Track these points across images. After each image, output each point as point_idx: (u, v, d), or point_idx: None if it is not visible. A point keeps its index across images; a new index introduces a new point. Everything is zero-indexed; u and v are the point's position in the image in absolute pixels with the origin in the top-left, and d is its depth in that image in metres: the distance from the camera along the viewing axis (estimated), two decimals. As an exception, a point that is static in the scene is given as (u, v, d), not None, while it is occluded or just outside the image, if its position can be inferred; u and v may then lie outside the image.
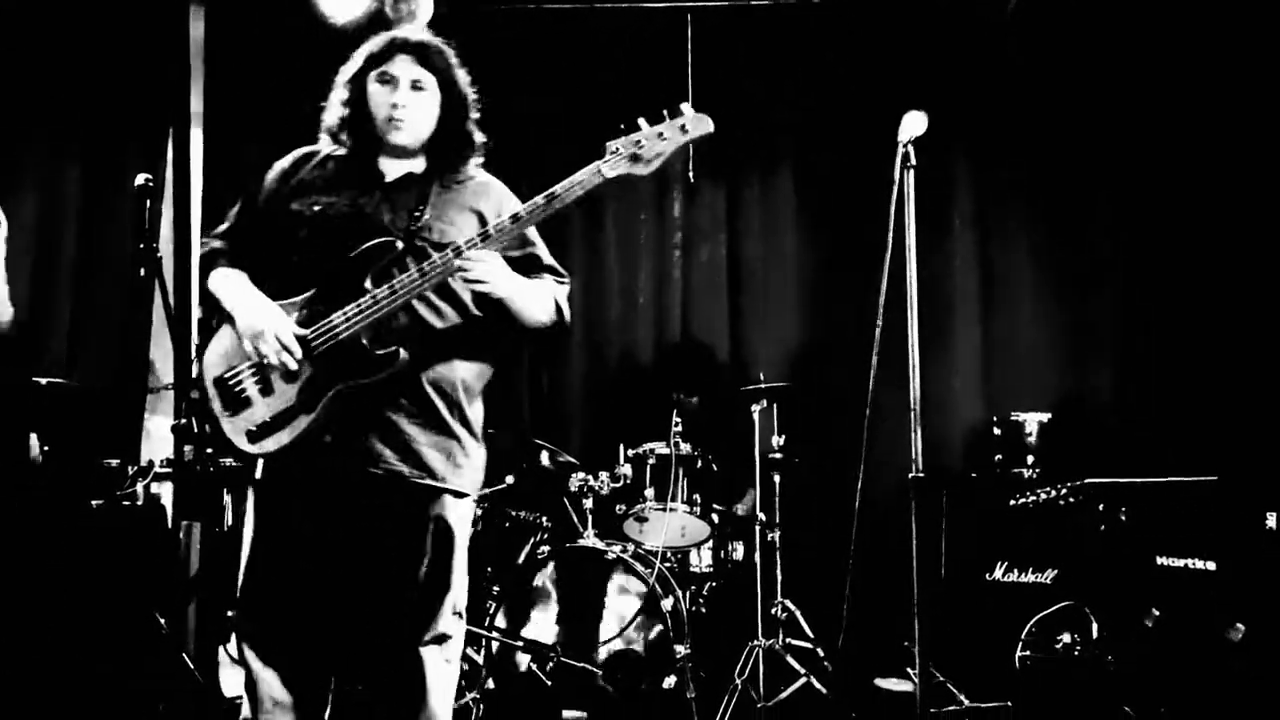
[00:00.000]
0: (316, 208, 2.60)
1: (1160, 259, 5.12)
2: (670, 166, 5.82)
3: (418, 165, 2.68)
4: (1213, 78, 5.05)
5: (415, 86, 2.60)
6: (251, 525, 2.60)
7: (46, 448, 4.02)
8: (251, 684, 2.59)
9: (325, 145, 2.72)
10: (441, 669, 2.61)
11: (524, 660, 4.10)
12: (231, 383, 2.57)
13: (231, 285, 2.62)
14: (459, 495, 2.63)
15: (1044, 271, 5.40)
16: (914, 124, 3.01)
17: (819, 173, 5.61)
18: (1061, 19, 5.27)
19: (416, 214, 2.57)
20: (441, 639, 2.61)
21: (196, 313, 5.25)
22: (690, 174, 5.46)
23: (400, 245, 2.52)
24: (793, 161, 5.68)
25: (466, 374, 2.64)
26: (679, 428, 4.58)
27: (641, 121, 2.46)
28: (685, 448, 4.60)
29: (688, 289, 5.71)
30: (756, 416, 4.77)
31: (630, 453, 4.68)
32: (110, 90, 5.22)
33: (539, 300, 2.64)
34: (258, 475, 2.59)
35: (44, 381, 4.17)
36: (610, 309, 5.67)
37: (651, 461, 4.63)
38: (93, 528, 4.04)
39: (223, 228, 2.74)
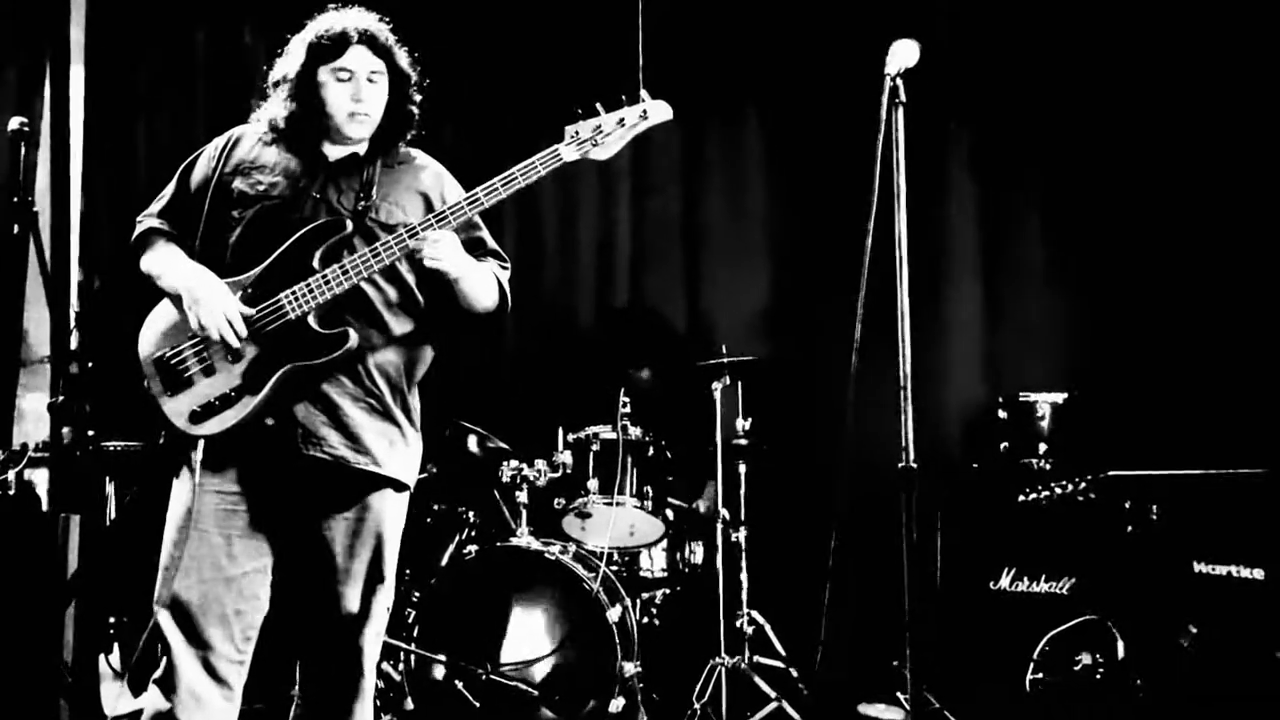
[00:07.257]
0: (260, 187, 2.72)
1: (1193, 209, 4.81)
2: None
3: (361, 146, 2.79)
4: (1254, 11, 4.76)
5: (371, 79, 2.72)
6: (184, 504, 2.65)
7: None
8: (170, 669, 2.60)
9: (260, 128, 2.81)
10: (373, 663, 2.76)
11: (448, 678, 3.98)
12: (173, 362, 2.66)
13: (170, 260, 2.72)
14: (399, 487, 2.76)
15: (1057, 225, 5.05)
16: (904, 54, 2.88)
17: (790, 115, 5.32)
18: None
19: (363, 195, 2.72)
20: (376, 633, 2.75)
21: (77, 275, 5.05)
22: (640, 118, 5.15)
23: (350, 226, 2.66)
24: (759, 102, 5.41)
25: (409, 359, 2.78)
26: (627, 409, 4.47)
27: (599, 106, 2.62)
28: (635, 432, 4.48)
29: (637, 248, 5.50)
30: (718, 395, 4.59)
31: (571, 437, 4.55)
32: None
33: (486, 284, 2.78)
34: (198, 457, 2.63)
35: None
36: (547, 270, 5.50)
37: (595, 448, 4.48)
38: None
39: (158, 206, 2.84)
